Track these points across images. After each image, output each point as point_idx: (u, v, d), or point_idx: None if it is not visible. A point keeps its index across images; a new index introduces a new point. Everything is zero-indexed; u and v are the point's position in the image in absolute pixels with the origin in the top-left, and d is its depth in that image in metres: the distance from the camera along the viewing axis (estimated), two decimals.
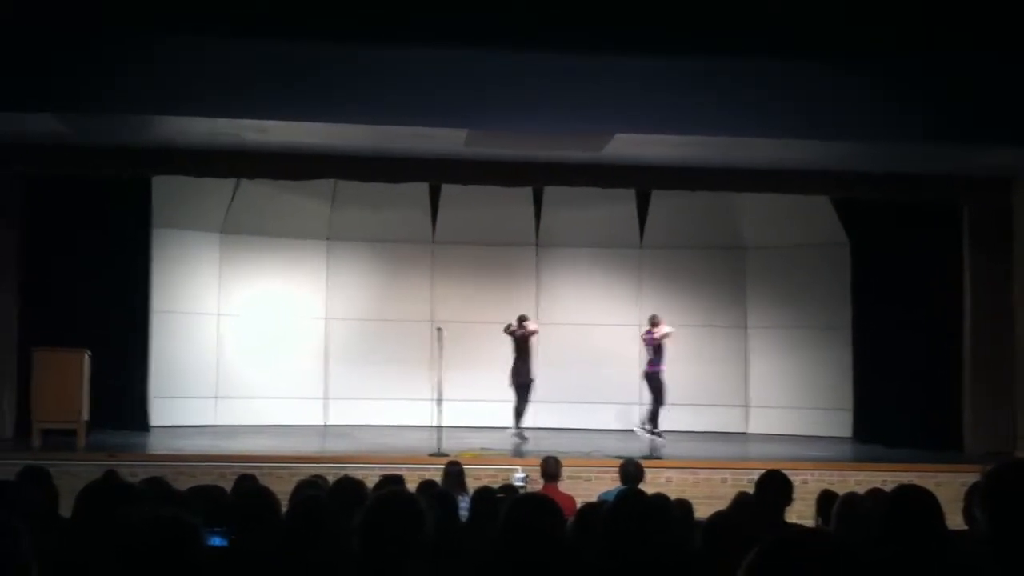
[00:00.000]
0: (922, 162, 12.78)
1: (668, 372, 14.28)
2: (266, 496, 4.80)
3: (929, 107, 10.84)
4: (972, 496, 5.37)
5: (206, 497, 5.88)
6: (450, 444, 12.30)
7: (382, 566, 3.34)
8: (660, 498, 5.00)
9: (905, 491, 3.96)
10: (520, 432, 14.21)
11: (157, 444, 13.03)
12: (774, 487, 5.87)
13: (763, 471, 6.13)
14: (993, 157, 12.31)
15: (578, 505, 6.50)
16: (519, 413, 14.42)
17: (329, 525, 4.32)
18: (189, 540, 2.72)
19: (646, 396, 14.45)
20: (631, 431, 14.03)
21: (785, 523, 5.72)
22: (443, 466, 8.82)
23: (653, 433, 13.90)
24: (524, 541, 3.72)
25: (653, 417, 14.11)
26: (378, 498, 3.61)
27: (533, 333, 14.46)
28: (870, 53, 10.39)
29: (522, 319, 14.55)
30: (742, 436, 15.97)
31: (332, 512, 4.42)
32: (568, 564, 3.85)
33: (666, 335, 14.21)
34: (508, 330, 14.45)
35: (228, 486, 6.68)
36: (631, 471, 8.48)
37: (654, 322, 14.32)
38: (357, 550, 3.40)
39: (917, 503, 3.84)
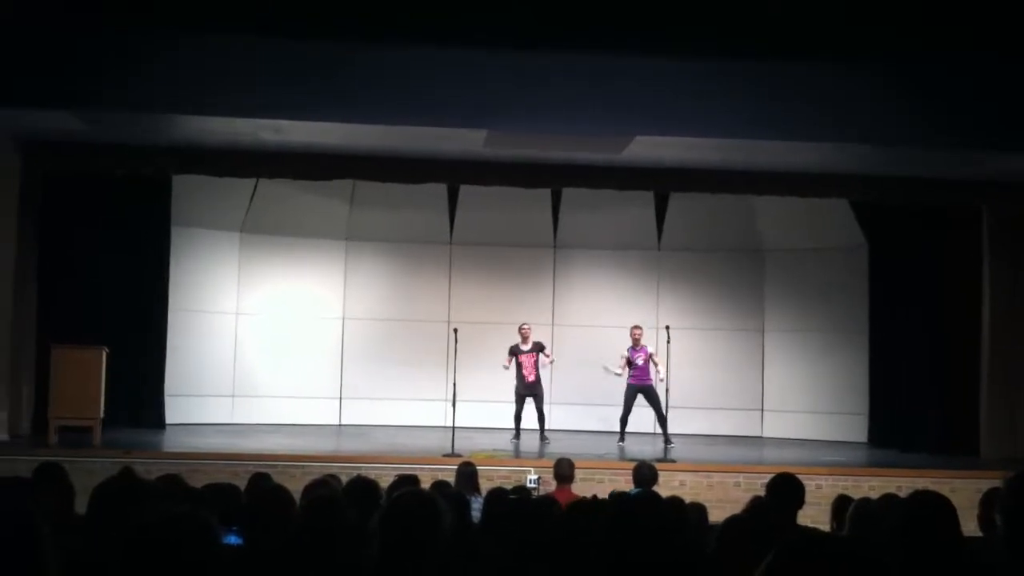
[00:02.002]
0: (941, 166, 12.72)
1: (681, 374, 14.19)
2: (281, 494, 4.80)
3: (949, 111, 10.81)
4: (988, 502, 5.35)
5: (221, 495, 5.89)
6: (464, 445, 12.30)
7: (400, 566, 3.34)
8: (675, 501, 5.00)
9: (921, 497, 3.94)
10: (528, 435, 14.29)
11: (172, 442, 13.06)
12: (785, 490, 5.85)
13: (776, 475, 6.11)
14: (1013, 162, 12.25)
15: None
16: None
17: (343, 524, 4.32)
18: (205, 538, 2.72)
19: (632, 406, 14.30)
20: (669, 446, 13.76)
21: (798, 527, 5.70)
22: (456, 467, 8.83)
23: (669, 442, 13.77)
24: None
25: (665, 425, 13.97)
26: (398, 498, 3.61)
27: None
28: (891, 56, 10.37)
29: (524, 330, 14.48)
30: (757, 440, 15.93)
31: (346, 511, 4.42)
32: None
33: (654, 356, 14.10)
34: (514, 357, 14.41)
35: (243, 484, 6.68)
36: (645, 474, 8.46)
37: (640, 339, 14.12)
38: (375, 550, 3.39)
39: (933, 509, 3.82)
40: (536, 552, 4.18)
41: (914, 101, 10.76)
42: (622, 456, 12.94)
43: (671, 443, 13.59)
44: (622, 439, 14.08)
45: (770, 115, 10.75)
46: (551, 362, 14.47)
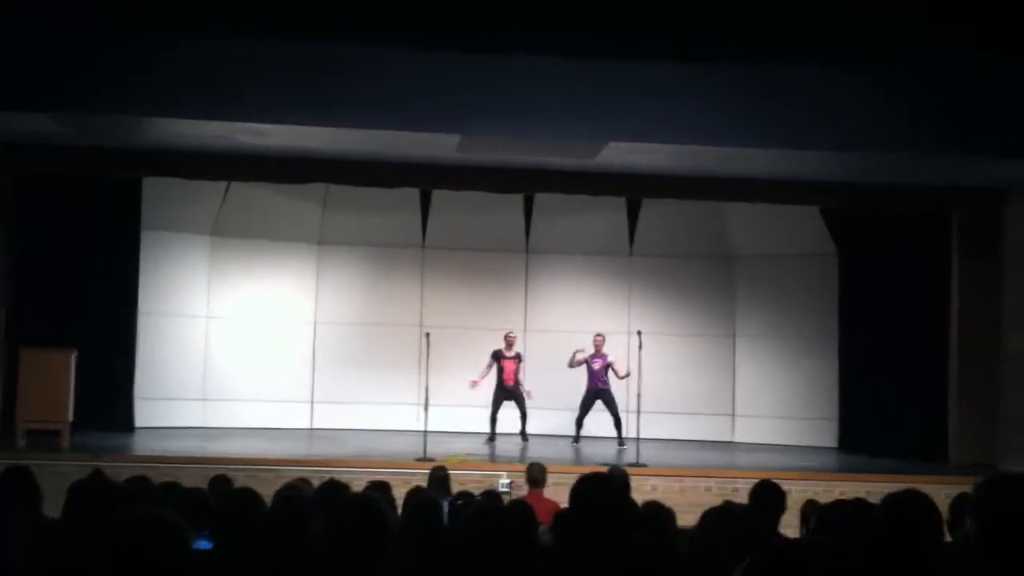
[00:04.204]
0: (911, 173, 12.81)
1: (653, 379, 14.28)
2: (249, 497, 4.78)
3: (920, 119, 10.86)
4: (957, 507, 5.37)
5: (188, 499, 5.86)
6: (436, 449, 12.29)
7: (350, 569, 3.34)
8: (653, 506, 5.00)
9: (901, 496, 3.90)
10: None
11: (142, 445, 12.99)
12: (766, 497, 5.88)
13: (747, 480, 6.15)
14: (983, 168, 12.34)
15: None
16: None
17: (313, 528, 4.32)
18: (177, 542, 2.70)
19: (594, 412, 14.61)
20: (621, 448, 13.96)
21: (775, 532, 5.72)
22: (429, 471, 8.83)
23: (623, 444, 13.97)
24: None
25: (620, 428, 14.20)
26: (336, 506, 3.63)
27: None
28: (863, 64, 10.39)
29: (510, 338, 14.61)
30: (728, 445, 15.96)
31: (316, 515, 4.41)
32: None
33: (612, 364, 14.45)
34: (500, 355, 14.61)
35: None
36: (617, 478, 8.46)
37: (602, 346, 14.49)
38: (324, 556, 3.40)
39: (913, 509, 3.80)
40: (499, 555, 4.17)
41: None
42: (578, 458, 13.03)
43: (624, 445, 13.75)
44: (576, 440, 14.46)
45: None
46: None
